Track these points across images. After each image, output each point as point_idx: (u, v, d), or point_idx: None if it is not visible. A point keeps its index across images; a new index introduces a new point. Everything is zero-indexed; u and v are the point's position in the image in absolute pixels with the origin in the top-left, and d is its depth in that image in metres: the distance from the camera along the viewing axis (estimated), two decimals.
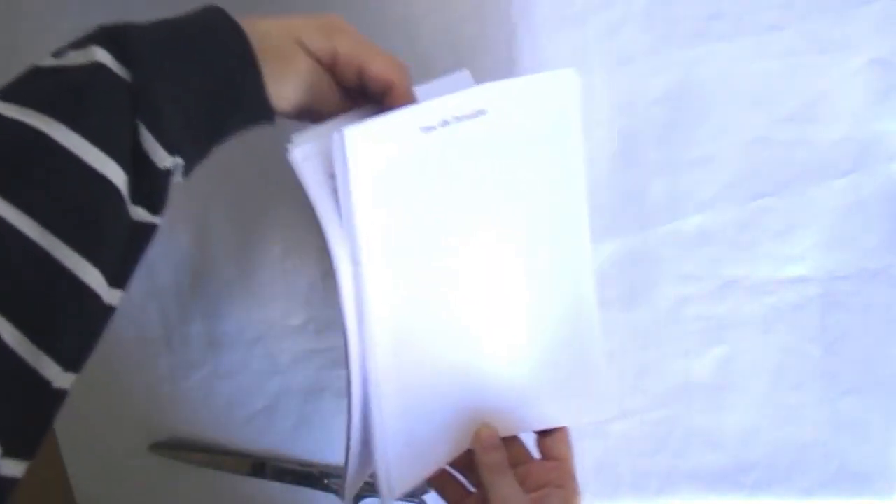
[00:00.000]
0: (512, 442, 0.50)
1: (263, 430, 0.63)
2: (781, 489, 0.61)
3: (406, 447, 0.46)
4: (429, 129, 0.43)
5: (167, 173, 0.38)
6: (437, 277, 0.46)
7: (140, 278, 0.60)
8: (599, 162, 0.58)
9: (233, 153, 0.55)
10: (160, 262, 0.60)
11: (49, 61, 0.37)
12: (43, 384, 0.34)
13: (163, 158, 0.37)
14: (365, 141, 0.40)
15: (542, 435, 0.51)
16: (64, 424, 0.63)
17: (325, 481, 0.62)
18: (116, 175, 0.35)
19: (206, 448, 0.63)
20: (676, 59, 0.56)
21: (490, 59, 0.56)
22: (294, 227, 0.60)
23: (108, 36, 0.37)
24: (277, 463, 0.63)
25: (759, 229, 0.58)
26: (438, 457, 0.48)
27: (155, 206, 0.38)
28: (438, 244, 0.45)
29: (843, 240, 0.58)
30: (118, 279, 0.37)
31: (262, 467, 0.63)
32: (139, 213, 0.37)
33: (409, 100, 0.44)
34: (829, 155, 0.57)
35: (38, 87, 0.36)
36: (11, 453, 0.34)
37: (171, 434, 0.63)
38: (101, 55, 0.36)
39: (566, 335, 0.49)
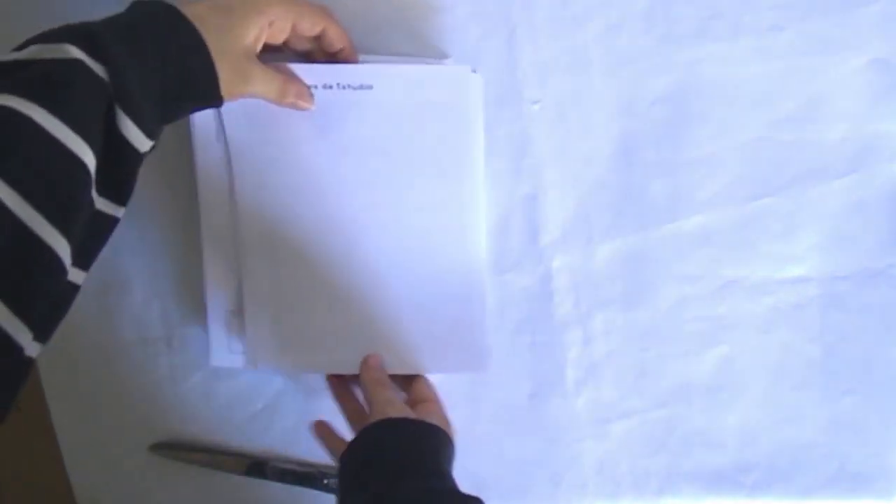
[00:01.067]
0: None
1: (263, 430, 0.63)
2: (781, 489, 0.61)
3: (274, 333, 0.57)
4: (310, 87, 0.53)
5: (140, 158, 0.42)
6: (311, 213, 0.55)
7: (141, 279, 0.60)
8: (599, 162, 0.58)
9: None
10: (160, 263, 0.60)
11: (15, 55, 0.39)
12: (15, 349, 0.36)
13: (143, 143, 0.42)
14: None
15: (408, 383, 0.57)
16: (64, 424, 0.63)
17: (325, 481, 0.62)
18: (89, 159, 0.38)
19: (206, 448, 0.63)
20: (676, 59, 0.56)
21: (491, 59, 0.56)
22: None
23: (78, 34, 0.40)
24: (277, 463, 0.63)
25: (759, 229, 0.58)
26: (314, 360, 0.58)
27: (122, 194, 0.42)
28: (311, 186, 0.55)
29: (843, 240, 0.58)
30: (81, 260, 0.41)
31: (262, 467, 0.63)
32: (103, 204, 0.41)
33: (340, 48, 0.52)
34: (829, 155, 0.57)
35: (15, 76, 0.38)
36: None
37: (171, 434, 0.63)
38: (75, 52, 0.39)
39: (451, 292, 0.56)
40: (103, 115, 0.40)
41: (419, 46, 0.56)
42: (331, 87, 0.53)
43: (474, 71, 0.54)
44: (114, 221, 0.43)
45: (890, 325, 0.59)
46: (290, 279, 0.56)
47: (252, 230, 0.56)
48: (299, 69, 0.52)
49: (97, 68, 0.39)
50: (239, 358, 0.58)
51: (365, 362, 0.56)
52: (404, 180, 0.55)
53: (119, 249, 0.59)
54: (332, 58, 0.53)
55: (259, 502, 0.64)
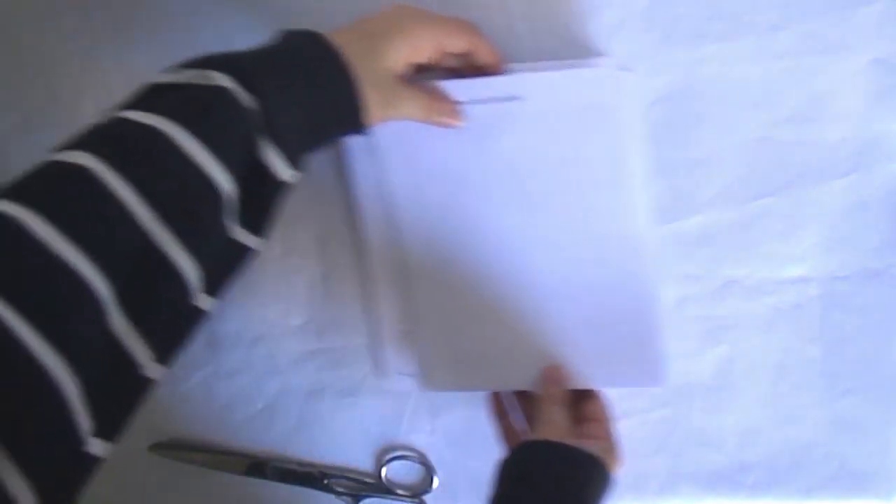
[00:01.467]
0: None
1: (263, 430, 0.63)
2: (781, 489, 0.61)
3: (445, 353, 0.56)
4: (460, 103, 0.51)
5: (282, 187, 0.42)
6: (472, 229, 0.54)
7: None
8: None
9: None
10: None
11: (166, 77, 0.40)
12: (134, 367, 0.36)
13: (286, 174, 0.42)
14: None
15: (581, 399, 0.56)
16: None
17: (325, 481, 0.62)
18: (225, 185, 0.38)
19: (206, 448, 0.63)
20: (676, 59, 0.56)
21: None
22: (294, 226, 0.60)
23: (229, 64, 0.40)
24: (277, 463, 0.63)
25: (759, 229, 0.58)
26: (485, 378, 0.57)
27: (261, 225, 0.43)
28: (470, 202, 0.54)
29: (843, 240, 0.58)
30: (211, 287, 0.40)
31: (262, 467, 0.63)
32: (240, 234, 0.42)
33: (488, 63, 0.51)
34: (829, 155, 0.57)
35: (163, 99, 0.39)
36: (99, 433, 0.35)
37: (171, 434, 0.63)
38: (225, 80, 0.39)
39: (622, 303, 0.54)
40: (246, 144, 0.40)
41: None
42: (481, 101, 0.51)
43: (625, 69, 0.51)
44: (250, 252, 0.43)
45: (890, 326, 0.59)
46: (459, 298, 0.55)
47: (417, 251, 0.56)
48: (447, 86, 0.51)
49: (245, 98, 0.40)
50: (408, 380, 0.58)
51: (546, 374, 0.55)
52: (564, 189, 0.53)
53: None
54: (480, 71, 0.52)
55: (259, 502, 0.64)
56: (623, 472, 0.63)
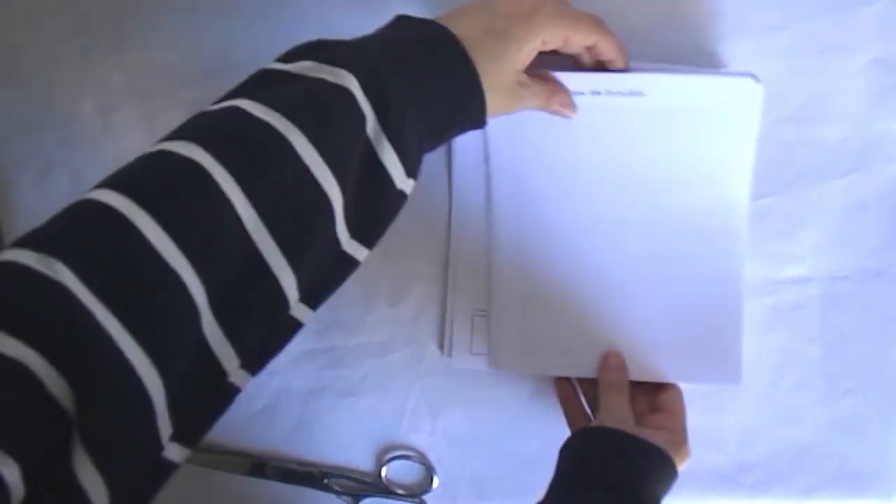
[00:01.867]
0: (637, 389, 0.55)
1: (263, 430, 0.63)
2: (781, 489, 0.61)
3: (518, 335, 0.57)
4: (578, 93, 0.51)
5: (399, 197, 0.41)
6: (566, 216, 0.55)
7: None
8: None
9: None
10: None
11: (284, 66, 0.38)
12: (220, 374, 0.35)
13: (402, 181, 0.41)
14: None
15: (658, 390, 0.55)
16: None
17: (325, 481, 0.62)
18: (335, 197, 0.37)
19: (206, 448, 0.63)
20: (677, 59, 0.56)
21: None
22: None
23: (352, 60, 0.38)
24: (277, 463, 0.63)
25: (759, 229, 0.58)
26: (556, 363, 0.58)
27: (372, 235, 0.41)
28: (569, 190, 0.55)
29: (843, 240, 0.58)
30: (311, 298, 0.39)
31: (262, 467, 0.63)
32: (349, 246, 0.40)
33: (611, 58, 0.50)
34: (829, 155, 0.57)
35: (282, 93, 0.37)
36: (178, 438, 0.34)
37: None
38: (348, 80, 0.38)
39: (707, 300, 0.55)
40: (365, 153, 0.38)
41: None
42: (599, 93, 0.52)
43: (755, 79, 0.51)
44: (355, 264, 0.41)
45: (890, 325, 0.59)
46: (539, 283, 0.56)
47: (505, 231, 0.56)
48: (567, 78, 0.51)
49: (366, 106, 0.38)
50: (480, 359, 0.59)
51: (604, 361, 0.55)
52: (668, 186, 0.54)
53: None
54: (602, 66, 0.51)
55: (259, 502, 0.64)
56: None
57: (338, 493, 0.62)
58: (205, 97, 0.39)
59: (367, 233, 0.41)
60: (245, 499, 0.64)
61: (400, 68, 0.40)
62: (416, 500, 0.63)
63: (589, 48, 0.49)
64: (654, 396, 0.55)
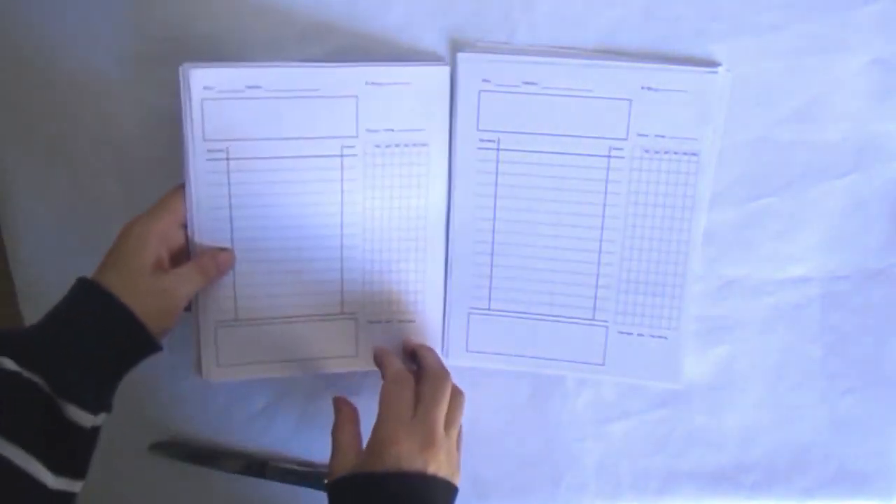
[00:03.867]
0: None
1: (263, 430, 0.63)
2: (781, 489, 0.61)
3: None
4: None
5: (91, 434, 0.46)
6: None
7: None
8: None
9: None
10: None
11: None
12: None
13: (91, 420, 0.46)
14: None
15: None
16: None
17: (325, 481, 0.62)
18: (34, 468, 0.42)
19: (206, 448, 0.63)
20: (677, 59, 0.56)
21: None
22: None
23: (11, 344, 0.44)
24: (277, 463, 0.63)
25: (759, 229, 0.58)
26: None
27: (79, 471, 0.46)
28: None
29: (843, 240, 0.58)
30: (61, 469, 0.44)
31: (262, 467, 0.63)
32: (64, 483, 0.44)
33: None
34: (829, 155, 0.57)
35: None
36: None
37: (171, 434, 0.63)
38: (9, 364, 0.43)
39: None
40: (44, 415, 0.43)
41: (420, 48, 0.56)
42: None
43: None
44: (72, 497, 0.45)
45: (890, 325, 0.59)
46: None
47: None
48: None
49: (32, 376, 0.43)
50: (477, 357, 0.60)
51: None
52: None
53: None
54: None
55: (259, 502, 0.64)
56: (623, 472, 0.63)
57: None
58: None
59: (72, 469, 0.45)
60: (244, 499, 0.64)
61: (53, 332, 0.46)
62: None
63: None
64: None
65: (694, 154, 0.55)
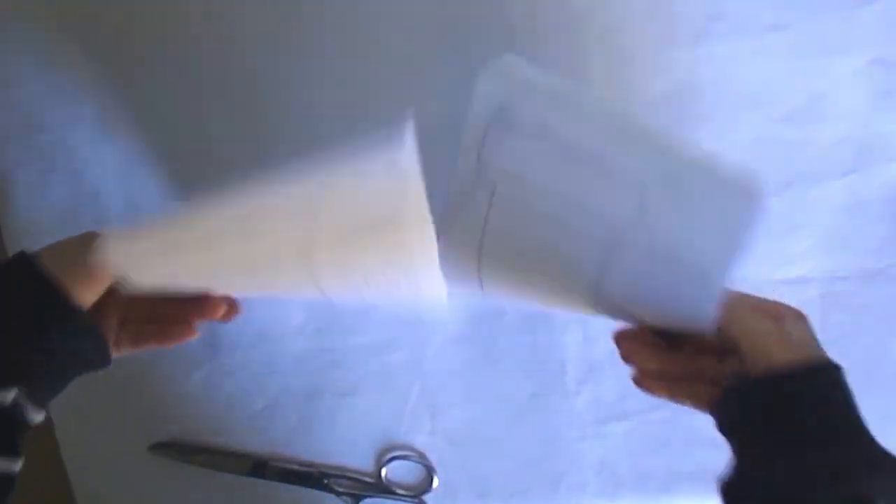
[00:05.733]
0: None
1: (263, 430, 0.63)
2: None
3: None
4: None
5: (16, 406, 0.43)
6: None
7: None
8: None
9: (234, 157, 0.54)
10: None
11: None
12: None
13: (37, 417, 0.45)
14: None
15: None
16: (64, 424, 0.63)
17: (325, 481, 0.62)
18: None
19: (206, 448, 0.63)
20: (676, 59, 0.56)
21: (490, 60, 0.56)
22: None
23: None
24: (277, 463, 0.63)
25: (759, 229, 0.58)
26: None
27: (13, 455, 0.43)
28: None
29: (843, 240, 0.58)
30: None
31: (263, 467, 0.63)
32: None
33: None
34: (829, 155, 0.57)
35: None
36: None
37: (171, 434, 0.63)
38: None
39: None
40: None
41: (418, 48, 0.56)
42: None
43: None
44: (10, 479, 0.43)
45: (890, 325, 0.59)
46: None
47: None
48: None
49: None
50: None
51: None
52: None
53: None
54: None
55: (259, 502, 0.64)
56: (623, 472, 0.63)
57: (338, 494, 0.62)
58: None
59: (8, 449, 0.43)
60: (244, 499, 0.64)
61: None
62: (416, 500, 0.63)
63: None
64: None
65: None
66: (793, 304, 0.59)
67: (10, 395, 0.43)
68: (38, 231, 0.60)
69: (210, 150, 0.58)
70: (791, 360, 0.43)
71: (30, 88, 0.58)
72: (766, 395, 0.43)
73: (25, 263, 0.44)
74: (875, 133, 0.56)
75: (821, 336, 0.60)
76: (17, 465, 0.43)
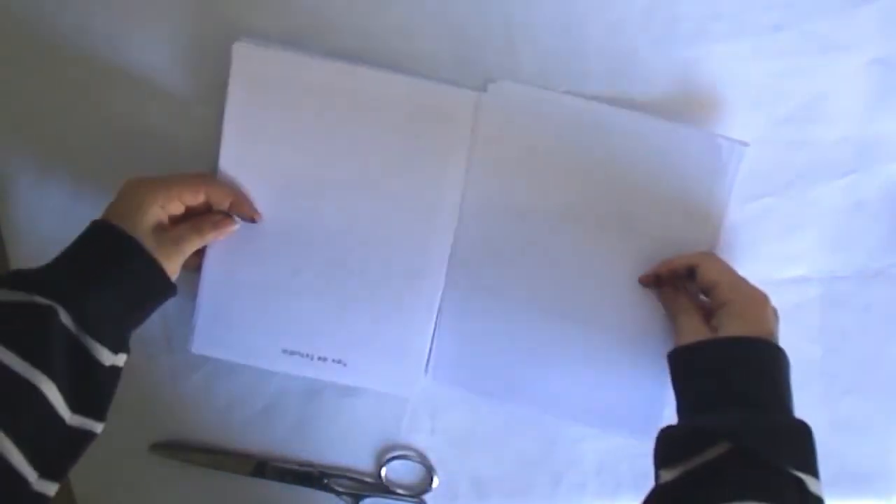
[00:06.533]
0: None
1: (263, 430, 0.63)
2: None
3: None
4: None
5: (112, 373, 0.47)
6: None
7: None
8: None
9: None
10: None
11: None
12: (22, 482, 0.41)
13: (111, 359, 0.46)
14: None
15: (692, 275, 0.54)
16: None
17: (325, 481, 0.62)
18: (45, 385, 0.42)
19: (206, 448, 0.63)
20: (676, 59, 0.56)
21: (491, 60, 0.56)
22: None
23: (31, 281, 0.45)
24: (277, 463, 0.63)
25: (759, 229, 0.58)
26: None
27: (98, 410, 0.46)
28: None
29: (843, 240, 0.58)
30: (53, 471, 0.44)
31: (263, 467, 0.63)
32: (79, 420, 0.45)
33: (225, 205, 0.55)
34: (829, 155, 0.57)
35: None
36: None
37: (171, 434, 0.63)
38: (33, 296, 0.43)
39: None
40: (68, 342, 0.44)
41: (419, 47, 0.56)
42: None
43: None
44: (91, 436, 0.46)
45: (890, 325, 0.59)
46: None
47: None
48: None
49: (52, 305, 0.43)
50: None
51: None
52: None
53: None
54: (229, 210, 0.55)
55: (259, 502, 0.64)
56: (623, 472, 0.63)
57: (338, 494, 0.62)
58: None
59: (90, 407, 0.45)
60: (244, 499, 0.64)
61: (68, 270, 0.47)
62: (416, 500, 0.63)
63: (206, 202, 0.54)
64: (696, 285, 0.54)
65: None
66: (793, 304, 0.59)
67: (119, 361, 0.47)
68: (38, 231, 0.60)
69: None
70: (740, 332, 0.49)
71: (30, 88, 0.58)
72: (706, 358, 0.49)
73: (119, 235, 0.48)
74: (875, 133, 0.56)
75: (821, 336, 0.60)
76: (99, 428, 0.46)
